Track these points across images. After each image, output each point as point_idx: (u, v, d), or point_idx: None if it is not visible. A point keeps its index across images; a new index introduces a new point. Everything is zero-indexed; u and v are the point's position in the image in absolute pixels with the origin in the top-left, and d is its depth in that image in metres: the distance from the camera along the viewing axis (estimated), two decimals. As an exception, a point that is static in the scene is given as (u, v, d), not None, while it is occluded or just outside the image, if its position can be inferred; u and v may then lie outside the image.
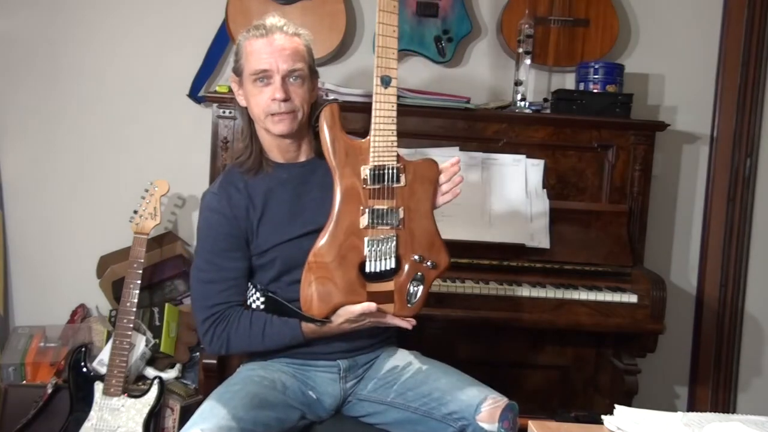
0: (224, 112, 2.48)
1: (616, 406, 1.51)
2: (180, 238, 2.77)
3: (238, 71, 1.77)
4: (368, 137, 1.70)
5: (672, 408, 2.91)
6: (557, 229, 2.46)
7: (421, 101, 2.50)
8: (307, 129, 1.81)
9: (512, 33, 2.69)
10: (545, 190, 2.51)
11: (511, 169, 2.51)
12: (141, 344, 2.42)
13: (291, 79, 1.72)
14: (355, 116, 2.28)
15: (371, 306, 1.66)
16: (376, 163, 1.69)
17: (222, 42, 2.73)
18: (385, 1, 1.69)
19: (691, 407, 2.92)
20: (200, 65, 2.73)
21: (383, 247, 1.70)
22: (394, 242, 1.72)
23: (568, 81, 2.83)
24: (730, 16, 2.86)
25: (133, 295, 2.34)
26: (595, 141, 2.56)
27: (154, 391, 2.30)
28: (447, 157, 2.44)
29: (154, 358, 2.51)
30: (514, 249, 2.42)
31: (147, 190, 2.47)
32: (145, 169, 2.68)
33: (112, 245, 2.69)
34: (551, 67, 2.78)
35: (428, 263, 1.74)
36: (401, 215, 1.72)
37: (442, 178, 1.76)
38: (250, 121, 1.80)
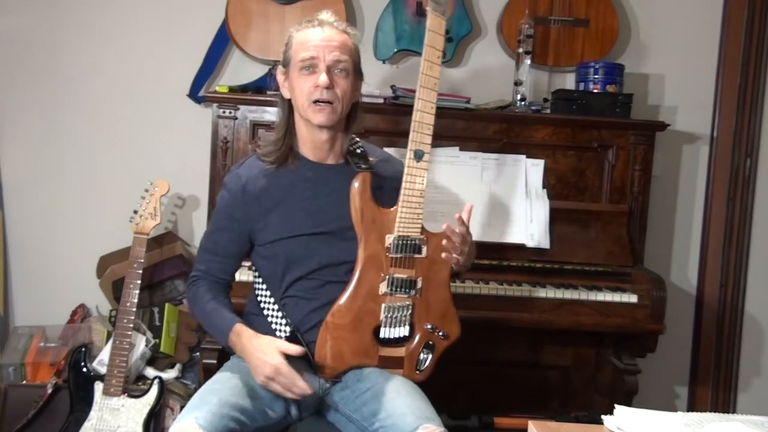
0: (224, 112, 2.48)
1: (616, 406, 1.50)
2: (180, 238, 2.77)
3: (285, 62, 1.80)
4: (396, 206, 1.75)
5: (672, 408, 2.91)
6: (557, 229, 2.46)
7: (421, 101, 2.49)
8: (343, 130, 1.84)
9: (512, 33, 2.69)
10: (545, 190, 2.51)
11: (511, 169, 2.51)
12: (141, 344, 2.42)
13: (336, 70, 1.75)
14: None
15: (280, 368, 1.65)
16: (400, 234, 1.75)
17: (222, 42, 2.73)
18: (427, 77, 1.76)
19: (691, 407, 2.92)
20: (200, 65, 2.73)
21: (399, 315, 1.77)
22: (410, 310, 1.78)
23: (568, 81, 2.83)
24: (730, 16, 2.86)
25: (133, 295, 2.34)
26: (595, 141, 2.56)
27: (154, 391, 2.30)
28: (447, 157, 2.48)
29: (154, 358, 2.51)
30: (514, 249, 2.42)
31: (147, 190, 2.47)
32: (145, 169, 2.68)
33: (112, 245, 2.69)
34: (551, 67, 2.78)
35: (440, 333, 1.80)
36: (419, 285, 1.78)
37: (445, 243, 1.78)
38: (290, 114, 1.83)
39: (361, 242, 1.74)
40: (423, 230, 1.78)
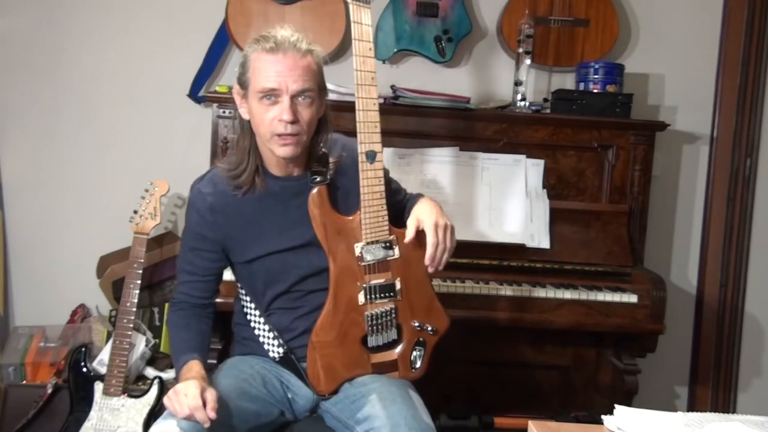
0: (224, 112, 2.48)
1: (616, 406, 1.50)
2: (180, 238, 2.76)
3: (243, 84, 1.67)
4: (358, 213, 1.70)
5: (672, 408, 2.91)
6: (557, 229, 2.46)
7: (421, 101, 2.50)
8: (308, 145, 1.73)
9: (512, 33, 2.69)
10: (545, 190, 2.51)
11: (511, 169, 2.51)
12: (141, 344, 2.42)
13: (300, 99, 1.63)
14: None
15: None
16: (368, 240, 1.70)
17: (222, 42, 2.73)
18: (362, 74, 1.68)
19: (691, 407, 2.92)
20: (200, 65, 2.73)
21: (384, 320, 1.73)
22: (394, 314, 1.75)
23: (568, 81, 2.83)
24: (730, 16, 2.86)
25: (133, 295, 2.34)
26: (595, 141, 2.56)
27: (154, 391, 2.30)
28: (447, 157, 2.48)
29: (154, 358, 2.51)
30: (514, 249, 2.42)
31: (147, 190, 2.47)
32: (145, 169, 2.68)
33: (112, 245, 2.69)
34: (551, 67, 2.78)
35: (429, 329, 1.78)
36: (398, 286, 1.74)
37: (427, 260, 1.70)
38: (251, 135, 1.71)
39: (330, 256, 1.70)
40: (391, 230, 1.72)
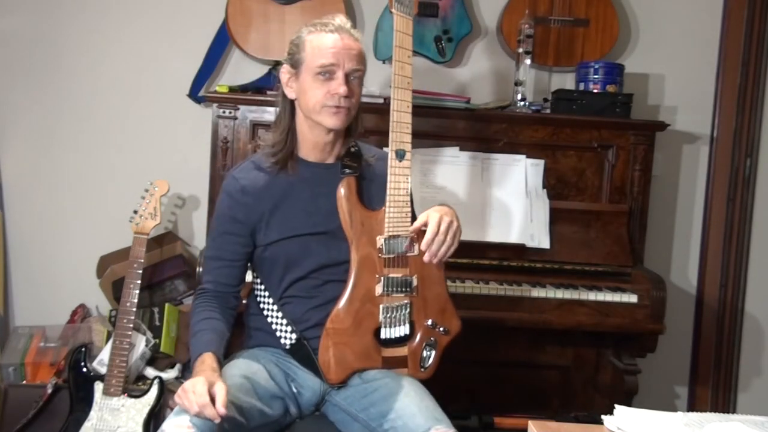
0: (224, 112, 2.48)
1: (616, 406, 1.50)
2: (180, 238, 2.77)
3: (295, 63, 1.78)
4: (383, 207, 1.77)
5: (672, 408, 2.91)
6: (557, 229, 2.46)
7: (421, 101, 2.49)
8: (345, 132, 1.84)
9: (512, 33, 2.69)
10: (545, 190, 2.51)
11: (511, 169, 2.51)
12: (141, 344, 2.42)
13: (352, 78, 1.76)
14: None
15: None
16: (391, 234, 1.76)
17: (222, 42, 2.73)
18: (400, 78, 1.79)
19: (691, 407, 2.92)
20: (200, 65, 2.73)
21: (398, 314, 1.77)
22: (408, 309, 1.79)
23: (568, 81, 2.83)
24: (730, 16, 2.86)
25: (133, 295, 2.34)
26: (595, 141, 2.56)
27: (154, 391, 2.30)
28: (447, 157, 2.48)
29: (154, 358, 2.51)
30: (514, 249, 2.42)
31: (147, 190, 2.47)
32: (145, 169, 2.68)
33: (112, 245, 2.69)
34: (551, 67, 2.79)
35: (441, 329, 1.81)
36: (415, 283, 1.78)
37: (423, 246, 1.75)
38: (291, 116, 1.83)
39: (353, 245, 1.75)
40: None
